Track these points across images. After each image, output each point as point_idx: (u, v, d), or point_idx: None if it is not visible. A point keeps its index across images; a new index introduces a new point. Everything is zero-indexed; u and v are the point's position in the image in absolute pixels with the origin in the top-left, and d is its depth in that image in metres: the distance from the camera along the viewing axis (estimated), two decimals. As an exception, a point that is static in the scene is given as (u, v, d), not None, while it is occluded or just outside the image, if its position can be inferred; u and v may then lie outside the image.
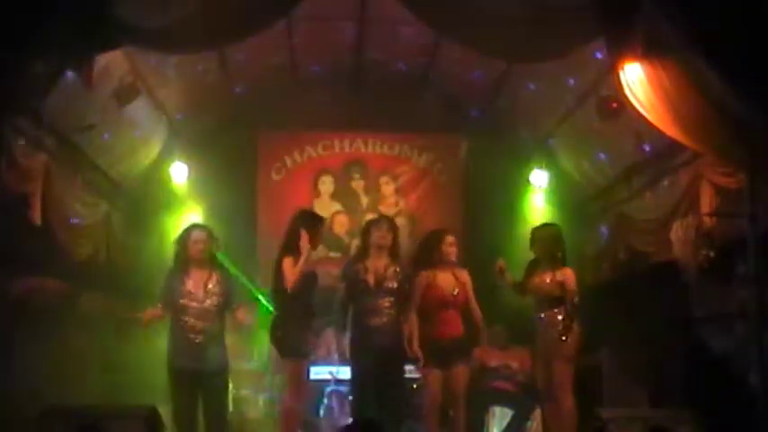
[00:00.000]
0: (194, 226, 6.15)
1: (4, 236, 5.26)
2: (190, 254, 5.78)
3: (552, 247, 6.07)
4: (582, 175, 8.08)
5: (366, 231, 5.94)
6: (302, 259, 5.61)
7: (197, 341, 5.60)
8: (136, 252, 7.74)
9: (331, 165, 9.09)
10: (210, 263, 5.84)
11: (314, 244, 5.83)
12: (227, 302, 5.78)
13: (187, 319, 5.63)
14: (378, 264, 5.78)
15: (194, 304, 5.65)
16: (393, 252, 5.88)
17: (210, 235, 5.91)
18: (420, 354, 5.75)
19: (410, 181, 9.13)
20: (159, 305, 5.75)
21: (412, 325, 5.79)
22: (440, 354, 5.78)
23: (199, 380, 5.61)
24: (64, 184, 6.09)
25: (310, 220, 5.95)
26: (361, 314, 5.76)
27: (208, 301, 5.67)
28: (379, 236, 5.80)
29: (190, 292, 5.68)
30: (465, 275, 5.98)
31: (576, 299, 5.86)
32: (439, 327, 5.82)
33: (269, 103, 8.73)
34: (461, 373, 5.87)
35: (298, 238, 5.67)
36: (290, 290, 5.63)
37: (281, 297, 5.78)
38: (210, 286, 5.72)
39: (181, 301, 5.66)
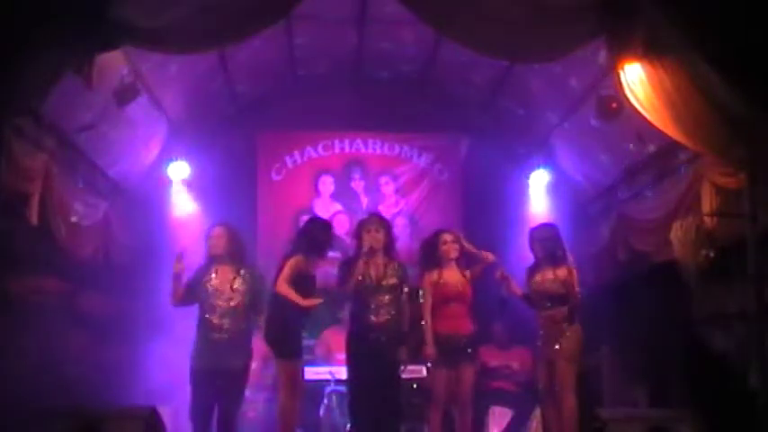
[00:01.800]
0: (217, 223, 6.13)
1: (4, 236, 5.26)
2: (211, 250, 5.83)
3: (551, 247, 6.07)
4: (582, 175, 8.07)
5: (357, 234, 5.88)
6: (298, 298, 5.64)
7: (221, 340, 5.63)
8: (136, 252, 7.73)
9: (331, 165, 9.10)
10: (236, 261, 5.83)
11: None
12: (252, 303, 5.79)
13: (213, 318, 5.66)
14: (376, 262, 5.77)
15: (220, 303, 5.68)
16: (387, 250, 5.86)
17: (232, 231, 5.91)
18: (431, 354, 5.75)
19: (410, 181, 9.14)
20: (180, 289, 5.74)
21: (426, 327, 5.80)
22: (446, 351, 5.77)
23: (218, 379, 5.62)
24: (64, 184, 6.08)
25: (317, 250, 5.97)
26: (360, 311, 5.75)
27: (233, 301, 5.69)
28: (370, 238, 5.75)
29: (216, 290, 5.71)
30: (469, 272, 5.99)
31: (578, 297, 5.87)
32: (446, 322, 5.83)
33: (269, 103, 8.73)
34: (468, 374, 5.87)
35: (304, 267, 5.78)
36: (275, 290, 5.68)
37: (277, 297, 5.76)
38: (236, 285, 5.74)
39: (207, 298, 5.69)
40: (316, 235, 5.95)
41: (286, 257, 5.82)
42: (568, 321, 5.83)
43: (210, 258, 5.86)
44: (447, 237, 6.05)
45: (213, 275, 5.76)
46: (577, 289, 5.90)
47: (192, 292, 5.78)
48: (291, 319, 5.74)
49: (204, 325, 5.69)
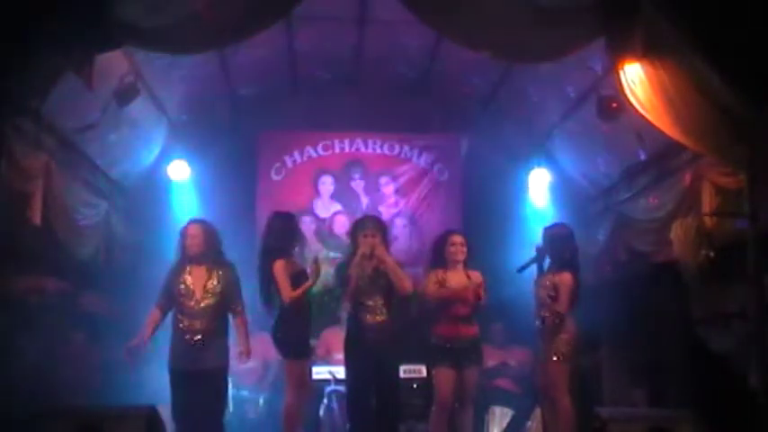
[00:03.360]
0: (192, 220, 5.91)
1: (4, 236, 5.26)
2: (187, 249, 5.65)
3: (560, 247, 6.03)
4: (582, 175, 8.08)
5: (353, 236, 5.83)
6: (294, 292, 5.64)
7: (194, 342, 5.47)
8: (136, 252, 7.73)
9: (331, 165, 9.10)
10: (212, 260, 5.65)
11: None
12: (226, 302, 5.62)
13: (184, 319, 5.51)
14: (372, 264, 5.74)
15: (191, 304, 5.52)
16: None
17: (209, 230, 5.72)
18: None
19: (410, 181, 9.14)
20: (157, 305, 5.63)
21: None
22: (450, 353, 5.76)
23: (197, 380, 5.48)
24: (64, 184, 6.09)
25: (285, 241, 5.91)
26: (356, 312, 5.73)
27: (204, 302, 5.52)
28: (365, 242, 5.67)
29: (188, 291, 5.55)
30: (478, 276, 5.95)
31: (562, 307, 5.81)
32: (449, 324, 5.80)
33: (269, 103, 8.73)
34: (472, 375, 5.85)
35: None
36: (286, 302, 5.66)
37: (281, 298, 5.76)
38: (210, 285, 5.57)
39: (179, 299, 5.55)
40: (278, 233, 5.88)
41: (270, 264, 5.77)
42: (560, 323, 5.82)
43: (185, 257, 5.67)
44: (456, 239, 6.02)
45: (187, 276, 5.59)
46: (566, 298, 5.84)
47: (169, 293, 5.62)
48: (299, 319, 5.73)
49: (176, 326, 5.54)
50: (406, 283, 5.67)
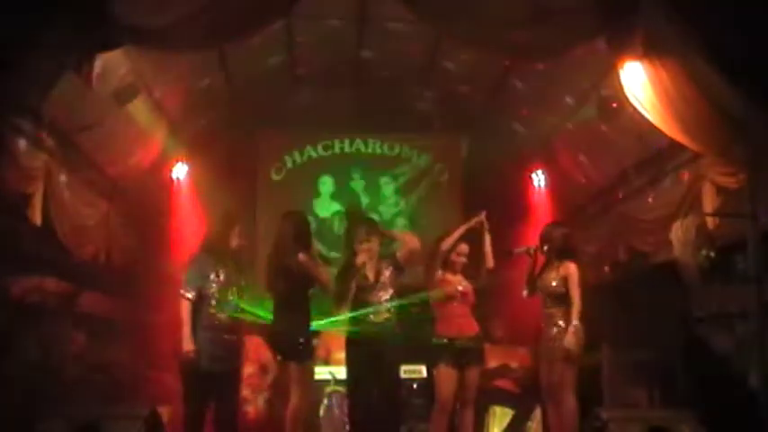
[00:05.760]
0: (234, 217, 5.73)
1: (4, 236, 5.26)
2: (231, 246, 5.51)
3: (561, 246, 6.03)
4: (582, 175, 8.07)
5: (348, 242, 5.77)
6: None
7: (231, 340, 5.37)
8: (136, 252, 7.73)
9: (331, 165, 9.10)
10: (240, 256, 5.62)
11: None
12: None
13: (221, 315, 5.33)
14: (372, 265, 5.72)
15: (232, 299, 5.41)
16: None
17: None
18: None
19: (410, 181, 9.14)
20: (188, 294, 5.31)
21: None
22: (452, 352, 5.75)
23: (218, 381, 5.33)
24: (64, 184, 6.08)
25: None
26: (359, 310, 5.72)
27: (239, 298, 5.42)
28: (363, 250, 5.64)
29: (226, 286, 5.41)
30: (469, 285, 5.95)
31: (578, 302, 5.81)
32: (450, 323, 5.79)
33: (269, 102, 8.74)
34: (474, 375, 5.83)
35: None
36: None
37: (279, 299, 5.71)
38: (242, 282, 5.53)
39: (214, 294, 5.35)
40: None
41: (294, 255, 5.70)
42: (567, 321, 5.80)
43: (216, 250, 5.49)
44: (463, 248, 5.99)
45: (220, 270, 5.43)
46: (578, 290, 5.85)
47: (198, 288, 5.36)
48: (295, 319, 5.69)
49: (210, 324, 5.31)
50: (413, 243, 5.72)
